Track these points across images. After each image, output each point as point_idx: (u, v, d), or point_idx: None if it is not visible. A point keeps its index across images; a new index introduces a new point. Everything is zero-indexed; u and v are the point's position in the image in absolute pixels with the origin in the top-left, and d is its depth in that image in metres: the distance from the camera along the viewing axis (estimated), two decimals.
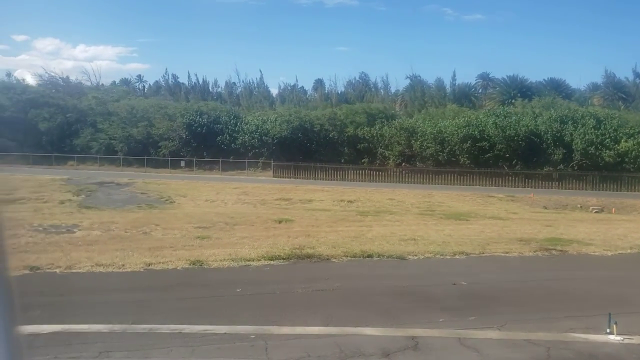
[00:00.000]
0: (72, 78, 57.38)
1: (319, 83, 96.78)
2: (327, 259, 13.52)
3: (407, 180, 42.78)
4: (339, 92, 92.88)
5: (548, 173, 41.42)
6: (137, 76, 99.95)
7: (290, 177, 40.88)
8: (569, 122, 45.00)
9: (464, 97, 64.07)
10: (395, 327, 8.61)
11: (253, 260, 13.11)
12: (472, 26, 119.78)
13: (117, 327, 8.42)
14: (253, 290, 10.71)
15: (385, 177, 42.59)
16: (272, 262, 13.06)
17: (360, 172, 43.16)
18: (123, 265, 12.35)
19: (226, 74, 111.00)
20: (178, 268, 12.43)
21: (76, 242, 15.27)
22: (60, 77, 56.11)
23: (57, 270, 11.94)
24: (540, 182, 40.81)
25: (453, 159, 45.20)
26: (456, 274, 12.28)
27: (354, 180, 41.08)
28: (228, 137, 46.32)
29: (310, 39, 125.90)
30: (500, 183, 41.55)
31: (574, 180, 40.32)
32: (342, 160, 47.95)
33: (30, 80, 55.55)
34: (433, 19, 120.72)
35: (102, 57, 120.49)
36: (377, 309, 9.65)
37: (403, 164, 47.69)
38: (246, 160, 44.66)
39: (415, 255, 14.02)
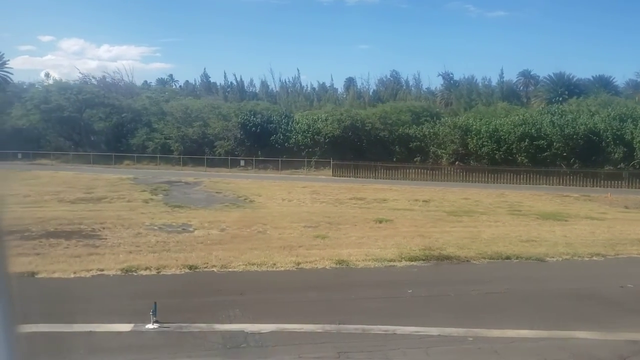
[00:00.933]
0: (108, 78, 58.15)
1: (350, 81, 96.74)
2: (467, 261, 13.51)
3: (468, 179, 42.38)
4: (371, 90, 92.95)
5: (614, 172, 40.68)
6: (168, 76, 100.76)
7: (349, 176, 40.90)
8: (629, 120, 44.17)
9: (512, 95, 63.30)
10: (606, 331, 8.54)
11: (394, 261, 13.17)
12: (496, 23, 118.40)
13: (328, 327, 8.55)
14: (423, 292, 10.76)
15: (446, 177, 42.39)
16: (413, 263, 13.11)
17: (421, 171, 42.99)
18: (274, 265, 12.53)
19: (249, 72, 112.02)
20: (327, 267, 12.56)
21: (204, 241, 15.51)
22: (112, 78, 57.23)
23: (215, 269, 12.16)
24: (602, 181, 40.11)
25: (510, 157, 44.74)
26: (611, 275, 12.18)
27: (414, 180, 40.94)
28: (282, 137, 46.57)
29: (330, 37, 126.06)
30: (560, 182, 40.96)
31: (639, 180, 39.57)
32: (394, 159, 47.78)
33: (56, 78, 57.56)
34: (455, 16, 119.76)
35: (125, 57, 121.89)
36: (566, 311, 9.61)
37: (456, 163, 47.38)
38: (305, 160, 44.89)
39: (552, 257, 13.93)
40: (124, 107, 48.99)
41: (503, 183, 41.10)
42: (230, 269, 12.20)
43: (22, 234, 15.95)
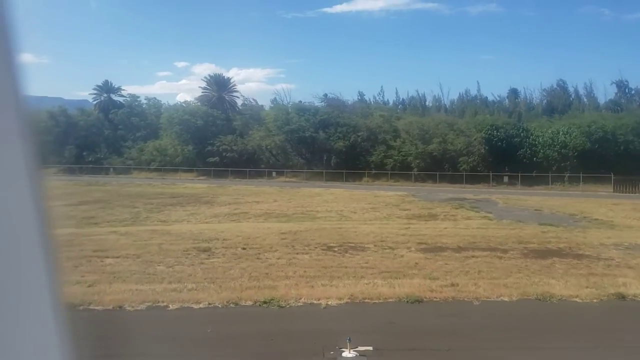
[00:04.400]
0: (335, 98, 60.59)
1: (514, 92, 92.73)
2: None
3: None
4: (543, 102, 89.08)
5: None
6: (323, 95, 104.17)
7: (634, 192, 37.90)
8: None
9: None
10: None
11: None
12: (634, 26, 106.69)
13: None
14: None
15: None
16: None
17: None
18: None
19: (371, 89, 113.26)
20: None
21: None
22: (340, 99, 60.00)
23: None
24: None
25: None
26: None
27: None
28: (528, 151, 44.90)
29: (451, 47, 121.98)
30: None
31: None
32: None
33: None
34: (588, 20, 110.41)
35: (252, 79, 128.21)
36: None
37: None
38: (580, 175, 42.60)
39: None
40: (360, 126, 50.64)
41: None
42: None
43: (513, 252, 16.10)
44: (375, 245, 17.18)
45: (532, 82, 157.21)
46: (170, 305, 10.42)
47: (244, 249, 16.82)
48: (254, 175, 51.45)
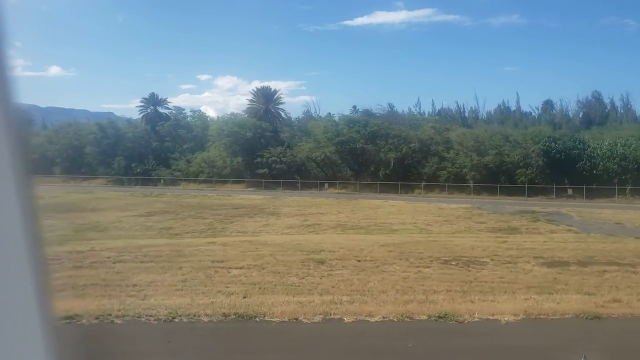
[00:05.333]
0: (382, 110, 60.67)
1: (548, 104, 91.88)
2: None
3: None
4: (581, 114, 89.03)
5: None
6: (352, 106, 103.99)
7: None
8: None
9: None
10: None
11: None
12: None
13: None
14: None
15: None
16: None
17: None
18: None
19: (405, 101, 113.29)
20: None
21: None
22: (390, 109, 60.07)
23: None
24: None
25: None
26: None
27: None
28: (588, 163, 44.04)
29: (472, 59, 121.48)
30: None
31: None
32: None
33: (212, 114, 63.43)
34: (612, 32, 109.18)
35: None
36: None
37: None
38: (621, 188, 41.69)
39: None
40: (411, 137, 50.39)
41: None
42: None
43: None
44: (492, 260, 16.88)
45: (559, 94, 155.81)
46: (345, 318, 10.31)
47: (359, 261, 16.68)
48: (303, 187, 51.51)
